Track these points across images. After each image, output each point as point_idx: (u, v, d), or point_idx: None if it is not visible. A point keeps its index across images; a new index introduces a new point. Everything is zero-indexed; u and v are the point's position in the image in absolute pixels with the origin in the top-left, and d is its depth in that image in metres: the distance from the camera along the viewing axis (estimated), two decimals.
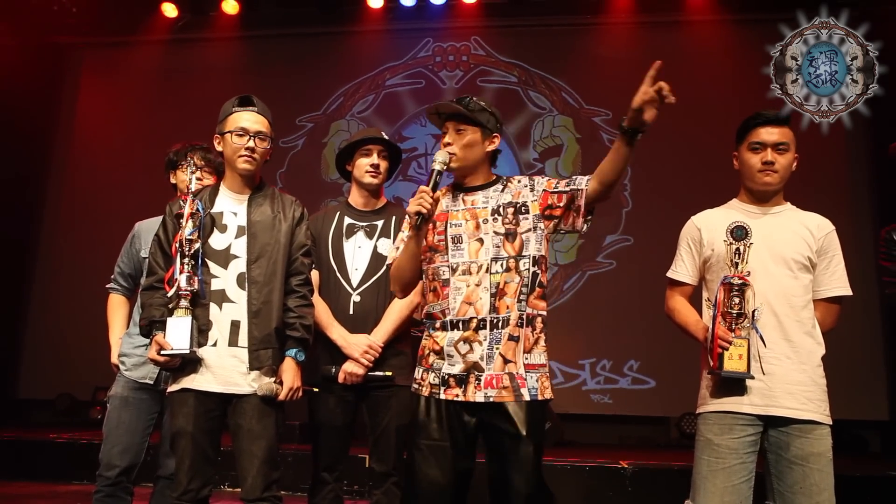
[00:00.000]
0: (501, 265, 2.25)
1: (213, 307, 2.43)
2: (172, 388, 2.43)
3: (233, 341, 2.41)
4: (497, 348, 2.22)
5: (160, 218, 2.92)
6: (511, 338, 2.22)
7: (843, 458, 5.09)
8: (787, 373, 2.28)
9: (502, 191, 2.35)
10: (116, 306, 3.06)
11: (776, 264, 2.34)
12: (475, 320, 2.23)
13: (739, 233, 2.32)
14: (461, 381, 2.23)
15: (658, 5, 6.10)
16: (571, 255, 6.18)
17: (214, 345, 2.41)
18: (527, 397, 2.21)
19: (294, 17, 6.63)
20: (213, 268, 2.45)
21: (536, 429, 2.23)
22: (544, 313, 2.30)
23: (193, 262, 2.40)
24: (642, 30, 6.27)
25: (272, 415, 2.42)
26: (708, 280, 2.45)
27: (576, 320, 5.96)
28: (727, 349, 2.24)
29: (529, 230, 2.28)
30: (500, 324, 2.23)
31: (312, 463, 2.77)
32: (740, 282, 2.26)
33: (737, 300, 2.26)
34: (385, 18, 6.59)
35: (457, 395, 2.23)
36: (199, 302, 2.41)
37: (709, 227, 2.44)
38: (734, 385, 2.28)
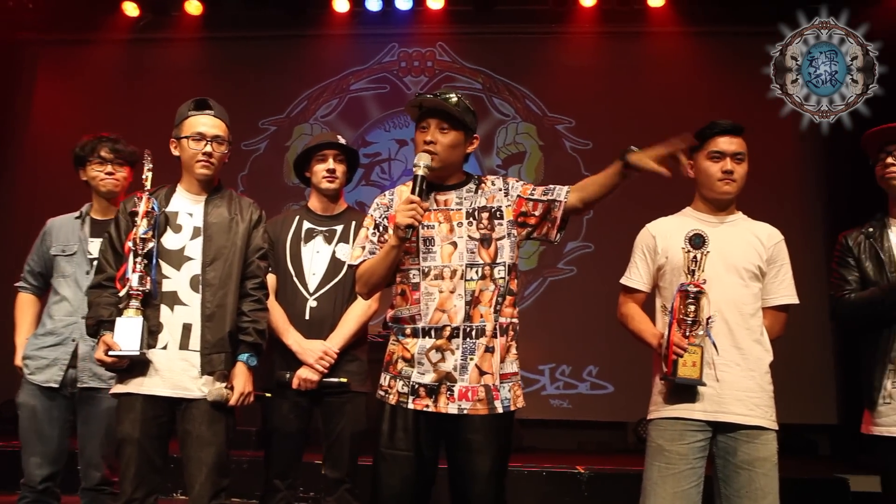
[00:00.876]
0: (477, 272, 2.20)
1: (164, 309, 2.38)
2: (117, 389, 2.38)
3: (184, 344, 2.37)
4: (472, 359, 2.18)
5: (72, 215, 2.86)
6: (487, 349, 2.19)
7: (794, 460, 5.24)
8: (736, 380, 2.32)
9: (476, 192, 2.29)
10: (25, 306, 2.94)
11: (728, 273, 2.38)
12: (448, 328, 2.18)
13: (697, 241, 2.35)
14: (432, 391, 2.19)
15: (621, 16, 6.18)
16: (532, 262, 6.22)
17: (164, 347, 2.36)
18: (500, 409, 2.19)
19: (258, 20, 6.54)
20: (166, 269, 2.41)
21: (504, 442, 2.23)
22: (516, 320, 2.28)
23: (146, 262, 2.35)
24: (606, 40, 6.34)
25: (222, 421, 2.38)
26: (661, 287, 2.48)
27: (536, 326, 5.99)
28: (682, 356, 2.27)
29: (504, 237, 2.25)
30: (474, 333, 2.19)
31: (264, 469, 2.73)
32: (696, 290, 2.30)
33: (692, 308, 2.30)
34: (350, 23, 6.55)
35: (426, 406, 2.19)
36: (151, 303, 2.36)
37: (664, 235, 2.47)
38: (686, 391, 2.32)
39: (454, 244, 2.22)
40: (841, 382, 5.74)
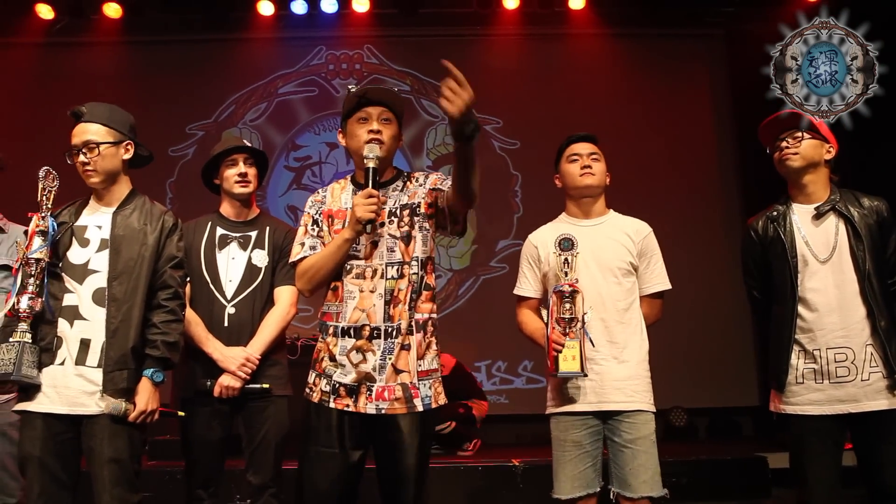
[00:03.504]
0: (396, 270, 2.22)
1: (63, 324, 2.33)
2: (19, 407, 2.33)
3: (80, 360, 2.31)
4: (390, 358, 2.19)
5: None
6: (403, 347, 2.20)
7: (720, 442, 5.42)
8: (613, 371, 2.50)
9: (402, 189, 2.31)
10: None
11: (601, 272, 2.54)
12: (368, 328, 2.19)
13: (566, 244, 2.52)
14: (352, 391, 2.20)
15: (543, 19, 6.31)
16: (465, 261, 6.29)
17: (62, 364, 2.31)
18: (420, 408, 2.20)
19: (182, 24, 6.42)
20: (69, 283, 2.36)
21: (424, 441, 2.23)
22: (434, 316, 2.29)
23: (38, 283, 2.29)
24: (529, 42, 6.46)
25: (125, 435, 2.31)
26: (549, 292, 2.60)
27: (471, 324, 6.07)
28: (561, 352, 2.42)
29: (418, 231, 2.27)
30: (393, 332, 2.19)
31: (186, 480, 2.71)
32: (570, 289, 2.44)
33: (568, 306, 2.43)
34: (276, 26, 6.49)
35: (347, 406, 2.20)
36: (46, 320, 2.31)
37: (543, 243, 2.64)
38: (572, 386, 2.51)
39: (375, 243, 2.24)
40: (761, 365, 5.98)
